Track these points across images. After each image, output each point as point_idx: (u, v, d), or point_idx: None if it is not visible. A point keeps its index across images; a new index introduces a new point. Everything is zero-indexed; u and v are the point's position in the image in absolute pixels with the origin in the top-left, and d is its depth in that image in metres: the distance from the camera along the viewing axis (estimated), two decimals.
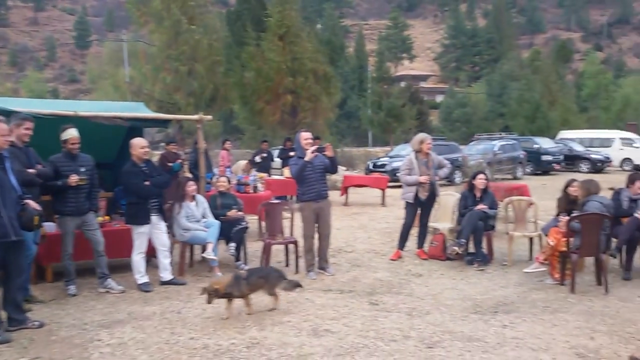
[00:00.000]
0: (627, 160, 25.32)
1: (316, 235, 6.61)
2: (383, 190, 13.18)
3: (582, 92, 64.30)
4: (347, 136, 38.58)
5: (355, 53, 57.38)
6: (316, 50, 19.86)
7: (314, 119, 18.64)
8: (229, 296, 4.97)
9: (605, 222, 5.84)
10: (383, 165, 17.94)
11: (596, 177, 12.99)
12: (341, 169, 23.39)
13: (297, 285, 5.42)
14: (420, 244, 7.62)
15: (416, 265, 7.12)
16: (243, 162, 12.07)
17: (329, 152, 6.56)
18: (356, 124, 42.98)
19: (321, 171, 6.56)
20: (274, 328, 4.76)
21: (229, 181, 7.88)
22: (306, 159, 6.37)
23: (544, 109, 37.78)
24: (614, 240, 6.29)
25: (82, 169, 5.63)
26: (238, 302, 5.09)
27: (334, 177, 15.23)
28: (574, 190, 6.61)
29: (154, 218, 6.10)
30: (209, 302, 4.94)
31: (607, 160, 24.10)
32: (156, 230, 6.13)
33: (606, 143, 26.47)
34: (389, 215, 11.25)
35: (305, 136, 6.55)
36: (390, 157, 18.77)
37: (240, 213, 7.07)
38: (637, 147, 25.33)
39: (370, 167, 18.88)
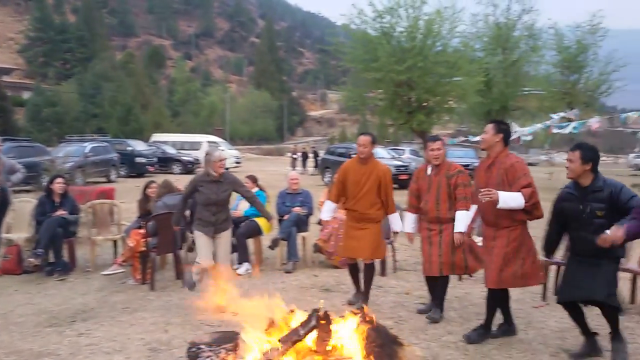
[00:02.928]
0: None
1: None
2: None
3: (174, 98, 69.01)
4: None
5: None
6: None
7: None
8: None
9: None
10: None
11: (187, 177, 14.03)
12: None
13: None
14: None
15: None
16: None
17: None
18: None
19: None
20: None
21: None
22: None
23: (136, 111, 38.85)
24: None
25: None
26: None
27: None
28: (151, 192, 6.95)
29: None
30: None
31: (197, 162, 26.29)
32: None
33: (196, 146, 28.88)
34: None
35: None
36: None
37: None
38: (223, 150, 28.54)
39: None
